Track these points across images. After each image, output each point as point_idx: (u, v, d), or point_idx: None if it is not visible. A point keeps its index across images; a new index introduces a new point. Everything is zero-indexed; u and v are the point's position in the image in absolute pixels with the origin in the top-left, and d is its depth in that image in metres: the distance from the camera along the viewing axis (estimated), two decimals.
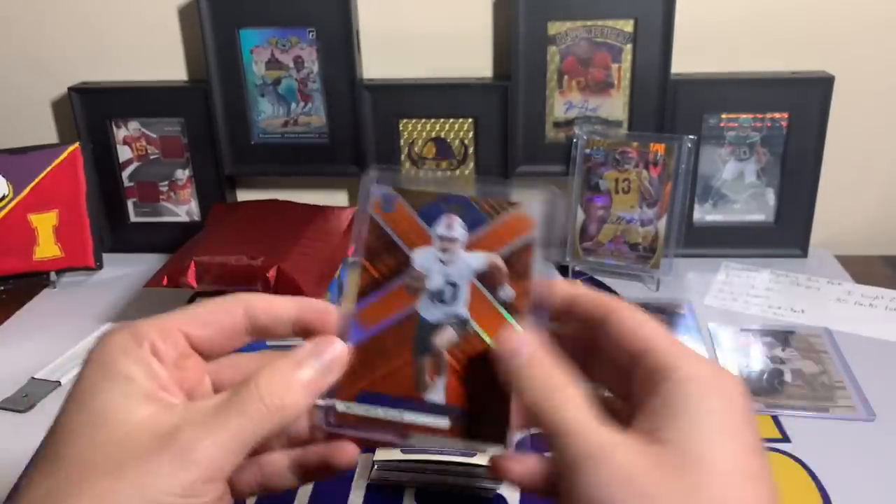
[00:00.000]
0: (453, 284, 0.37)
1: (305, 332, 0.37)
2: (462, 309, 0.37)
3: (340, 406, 0.36)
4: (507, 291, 0.37)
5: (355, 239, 0.38)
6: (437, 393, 0.37)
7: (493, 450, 0.36)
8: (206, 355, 0.36)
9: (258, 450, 0.36)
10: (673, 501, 0.29)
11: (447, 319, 0.37)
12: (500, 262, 0.37)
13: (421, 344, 0.37)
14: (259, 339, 0.37)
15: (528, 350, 0.34)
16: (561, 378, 0.34)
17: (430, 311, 0.37)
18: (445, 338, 0.37)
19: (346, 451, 0.37)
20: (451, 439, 0.37)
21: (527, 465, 0.36)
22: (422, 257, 0.38)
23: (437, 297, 0.37)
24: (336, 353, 0.35)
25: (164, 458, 0.30)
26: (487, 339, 0.36)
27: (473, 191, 0.38)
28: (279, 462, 0.38)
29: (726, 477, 0.30)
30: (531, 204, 0.38)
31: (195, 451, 0.30)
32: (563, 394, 0.33)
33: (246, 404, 0.32)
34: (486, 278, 0.37)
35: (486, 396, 0.36)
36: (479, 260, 0.37)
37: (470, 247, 0.38)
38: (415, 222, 0.38)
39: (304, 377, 0.34)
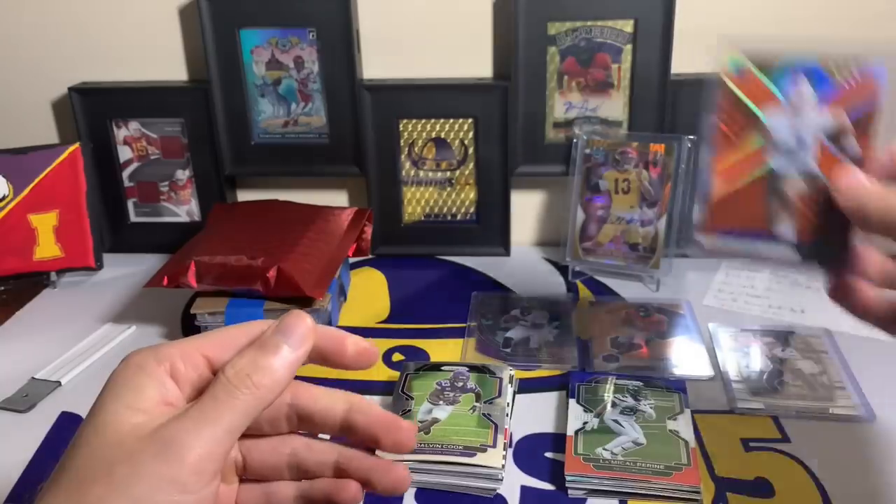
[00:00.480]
0: (802, 140, 0.43)
1: (323, 358, 0.38)
2: (810, 161, 0.43)
3: (707, 242, 0.46)
4: (854, 147, 0.43)
5: (709, 104, 0.44)
6: (787, 230, 0.44)
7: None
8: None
9: (269, 476, 0.38)
10: None
11: (797, 170, 0.44)
12: (846, 121, 0.42)
13: (773, 191, 0.44)
14: None
15: (868, 182, 0.41)
16: None
17: (780, 164, 0.44)
18: (794, 185, 0.44)
19: (350, 489, 0.37)
20: (797, 267, 0.45)
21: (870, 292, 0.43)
22: (772, 118, 0.43)
23: (787, 151, 0.44)
24: (304, 329, 0.36)
25: (149, 456, 0.31)
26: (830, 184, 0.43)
27: (822, 56, 0.43)
28: (285, 492, 0.38)
29: None
30: (879, 69, 0.43)
31: (177, 443, 0.31)
32: None
33: (218, 392, 0.33)
34: (833, 136, 0.43)
35: (831, 231, 0.43)
36: (826, 119, 0.43)
37: (818, 108, 0.43)
38: (764, 86, 0.43)
39: (274, 361, 0.34)
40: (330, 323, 0.81)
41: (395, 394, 0.68)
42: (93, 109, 0.99)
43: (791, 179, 0.44)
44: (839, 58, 0.43)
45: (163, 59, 1.01)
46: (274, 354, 0.34)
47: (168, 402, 0.34)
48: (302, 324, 0.36)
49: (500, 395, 0.66)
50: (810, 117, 0.43)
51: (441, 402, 0.65)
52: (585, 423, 0.64)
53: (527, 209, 1.05)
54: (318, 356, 0.37)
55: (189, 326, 0.83)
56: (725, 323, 0.82)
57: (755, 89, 0.43)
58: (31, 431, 0.68)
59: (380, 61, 0.98)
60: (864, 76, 0.42)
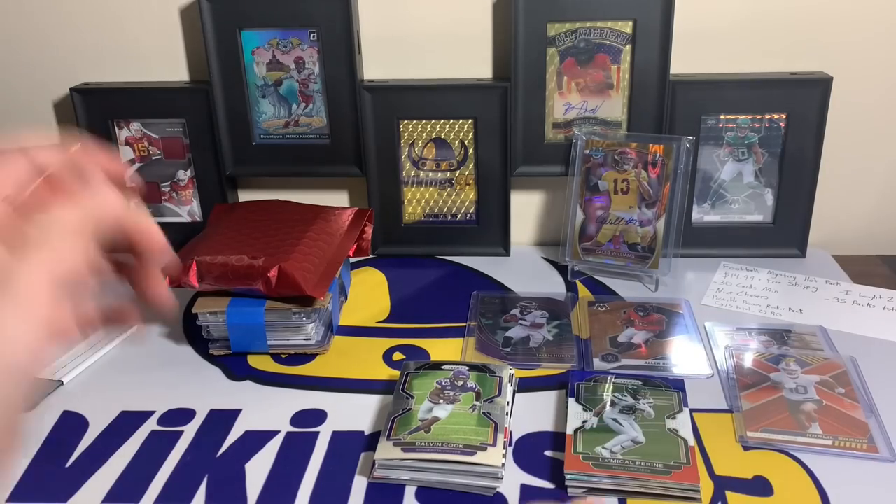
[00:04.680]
0: None
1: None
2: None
3: None
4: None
5: None
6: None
7: None
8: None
9: None
10: None
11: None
12: None
13: None
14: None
15: None
16: None
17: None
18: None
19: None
20: None
21: None
22: None
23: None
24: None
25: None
26: None
27: None
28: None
29: None
30: None
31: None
32: None
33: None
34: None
35: None
36: None
37: None
38: None
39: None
40: (332, 323, 0.82)
41: (396, 393, 0.68)
42: (94, 110, 0.99)
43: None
44: None
45: (164, 60, 1.01)
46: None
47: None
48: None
49: (499, 394, 0.67)
50: None
51: (441, 401, 0.66)
52: (585, 421, 0.64)
53: (526, 209, 1.05)
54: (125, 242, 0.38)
55: (190, 326, 0.83)
56: (723, 322, 0.83)
57: None
58: (33, 431, 0.68)
59: (380, 62, 0.99)
60: None
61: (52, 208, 0.35)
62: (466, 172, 0.99)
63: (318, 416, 0.70)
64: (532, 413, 0.69)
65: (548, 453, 0.64)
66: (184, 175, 1.03)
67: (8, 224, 0.34)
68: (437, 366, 0.71)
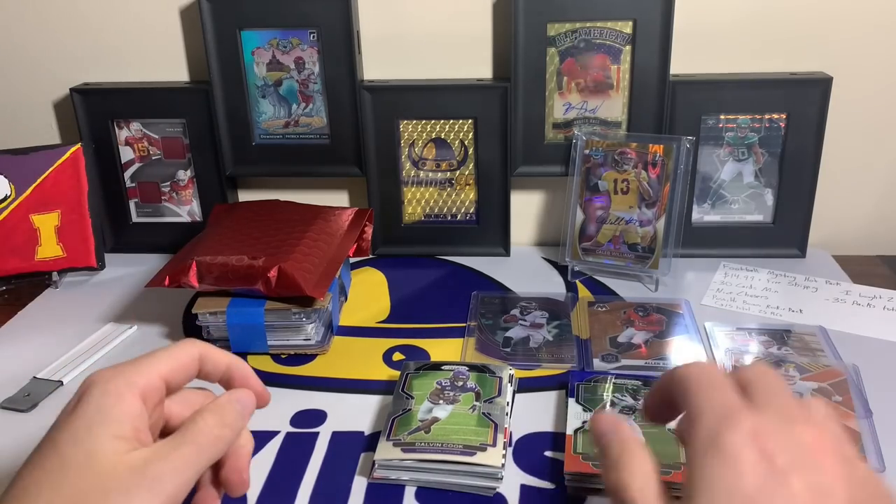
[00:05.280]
0: None
1: (228, 384, 0.47)
2: None
3: None
4: None
5: None
6: None
7: None
8: (168, 392, 0.44)
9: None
10: None
11: None
12: None
13: None
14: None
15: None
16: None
17: None
18: None
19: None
20: None
21: None
22: None
23: None
24: (252, 403, 0.45)
25: (143, 490, 0.37)
26: None
27: None
28: None
29: None
30: None
31: (164, 480, 0.38)
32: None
33: (197, 437, 0.41)
34: None
35: None
36: None
37: None
38: None
39: (234, 422, 0.43)
40: (332, 323, 0.82)
41: (396, 393, 0.68)
42: (94, 110, 0.99)
43: None
44: None
45: (164, 60, 1.01)
46: (232, 417, 0.43)
47: (142, 429, 0.40)
48: (249, 401, 0.45)
49: (499, 394, 0.67)
50: None
51: (441, 402, 0.66)
52: (585, 422, 0.64)
53: (526, 209, 1.05)
54: (226, 382, 0.47)
55: (190, 326, 0.83)
56: (723, 323, 0.83)
57: None
58: (32, 431, 0.68)
59: (380, 62, 0.99)
60: None
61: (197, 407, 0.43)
62: (466, 172, 0.99)
63: (317, 417, 0.70)
64: (532, 413, 0.69)
65: (548, 453, 0.64)
66: (184, 175, 1.03)
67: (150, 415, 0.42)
68: (436, 366, 0.71)
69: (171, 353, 0.44)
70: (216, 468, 0.45)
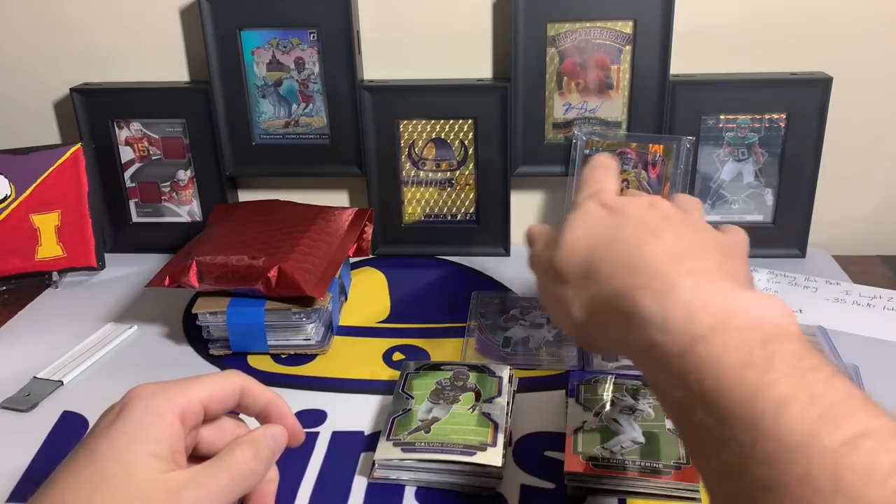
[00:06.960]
0: None
1: (265, 420, 0.48)
2: None
3: None
4: None
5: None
6: None
7: None
8: (205, 420, 0.45)
9: (209, 453, 0.46)
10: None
11: None
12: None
13: None
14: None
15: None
16: None
17: None
18: None
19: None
20: None
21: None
22: None
23: None
24: (285, 441, 0.47)
25: None
26: None
27: None
28: None
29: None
30: None
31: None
32: None
33: (232, 468, 0.42)
34: None
35: None
36: None
37: None
38: None
39: (266, 457, 0.44)
40: (332, 323, 0.82)
41: (396, 393, 0.68)
42: (94, 110, 0.99)
43: None
44: None
45: (164, 60, 1.01)
46: (266, 452, 0.44)
47: (179, 451, 0.41)
48: (283, 438, 0.47)
49: (499, 394, 0.67)
50: None
51: (441, 401, 0.66)
52: (585, 422, 0.64)
53: (526, 209, 1.05)
54: (264, 417, 0.49)
55: (190, 326, 0.83)
56: None
57: None
58: (32, 431, 0.68)
59: (380, 62, 0.99)
60: None
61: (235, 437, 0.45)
62: (466, 172, 0.99)
63: (318, 416, 0.70)
64: (532, 413, 0.69)
65: (548, 453, 0.64)
66: (184, 175, 1.03)
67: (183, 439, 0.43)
68: (436, 366, 0.71)
69: (214, 381, 0.45)
70: (241, 500, 0.46)
